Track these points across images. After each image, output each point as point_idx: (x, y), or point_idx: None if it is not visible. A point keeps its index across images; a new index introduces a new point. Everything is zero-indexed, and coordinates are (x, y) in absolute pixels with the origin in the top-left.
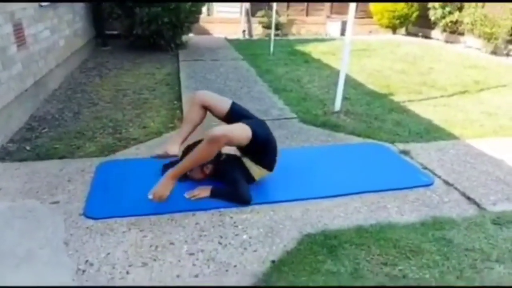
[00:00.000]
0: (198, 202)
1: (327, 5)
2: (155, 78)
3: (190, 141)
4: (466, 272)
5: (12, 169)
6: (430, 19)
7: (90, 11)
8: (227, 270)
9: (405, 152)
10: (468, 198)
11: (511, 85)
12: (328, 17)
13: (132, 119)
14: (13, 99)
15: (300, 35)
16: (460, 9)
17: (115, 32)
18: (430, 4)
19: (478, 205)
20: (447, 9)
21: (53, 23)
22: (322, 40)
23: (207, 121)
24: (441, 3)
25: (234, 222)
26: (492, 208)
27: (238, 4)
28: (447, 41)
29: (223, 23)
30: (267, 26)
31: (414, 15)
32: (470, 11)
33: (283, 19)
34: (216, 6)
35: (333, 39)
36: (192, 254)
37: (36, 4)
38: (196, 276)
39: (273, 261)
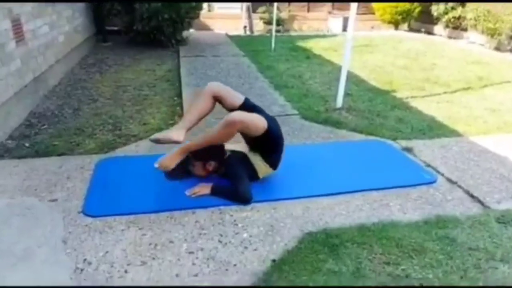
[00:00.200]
0: (198, 200)
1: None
2: (155, 74)
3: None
4: (470, 272)
5: (11, 166)
6: (432, 15)
7: (90, 7)
8: (227, 269)
9: (408, 149)
10: (472, 196)
11: None
12: (329, 13)
13: (132, 116)
14: (12, 96)
15: (301, 31)
16: (463, 4)
17: (115, 28)
18: None
19: (482, 203)
20: (450, 4)
21: (52, 19)
22: (324, 36)
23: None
24: None
25: (235, 220)
26: (497, 207)
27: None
28: (450, 37)
29: (224, 19)
30: (268, 22)
31: (417, 10)
32: (473, 7)
33: (284, 15)
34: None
35: (334, 35)
36: (191, 252)
37: None
38: (196, 275)
39: (273, 260)
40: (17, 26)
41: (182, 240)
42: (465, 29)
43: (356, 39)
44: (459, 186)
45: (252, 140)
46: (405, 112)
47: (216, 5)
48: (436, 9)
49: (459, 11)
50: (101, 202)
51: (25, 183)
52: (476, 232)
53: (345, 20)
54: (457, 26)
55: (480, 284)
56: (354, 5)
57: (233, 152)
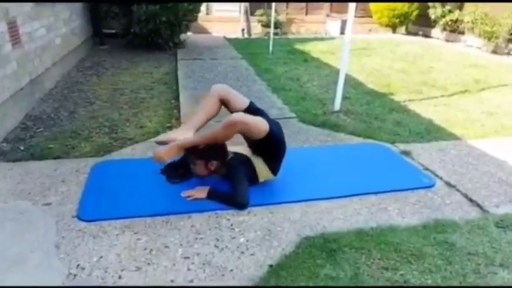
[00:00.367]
0: (194, 204)
1: (327, 4)
2: (152, 77)
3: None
4: (469, 277)
5: (5, 170)
6: (430, 18)
7: (87, 10)
8: (223, 275)
9: (406, 153)
10: (471, 200)
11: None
12: (327, 16)
13: (129, 119)
14: (8, 98)
15: (299, 34)
16: (460, 7)
17: (112, 31)
18: (430, 3)
19: (480, 207)
20: (447, 7)
21: (49, 21)
22: (322, 39)
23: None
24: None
25: (231, 225)
26: (495, 211)
27: (237, 3)
28: (447, 40)
29: (222, 22)
30: (266, 25)
31: (414, 14)
32: (471, 10)
33: (282, 17)
34: (215, 4)
35: (332, 38)
36: (187, 257)
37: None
38: (191, 281)
39: (270, 265)
40: (13, 29)
41: (178, 244)
42: (462, 32)
43: (354, 42)
44: (458, 190)
45: (254, 143)
46: (403, 115)
47: (214, 8)
48: (434, 12)
49: (456, 14)
50: (96, 206)
51: (19, 186)
52: (475, 236)
53: (343, 23)
54: (454, 29)
55: None
56: (352, 8)
57: (236, 154)
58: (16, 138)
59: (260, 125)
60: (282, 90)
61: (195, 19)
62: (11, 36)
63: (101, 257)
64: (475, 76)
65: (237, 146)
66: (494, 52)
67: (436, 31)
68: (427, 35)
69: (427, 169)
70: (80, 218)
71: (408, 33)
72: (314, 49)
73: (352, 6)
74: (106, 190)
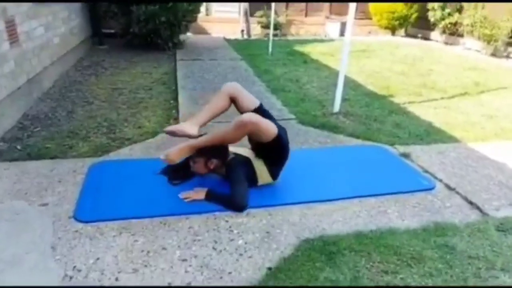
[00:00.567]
0: (192, 205)
1: (326, 5)
2: (151, 77)
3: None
4: (470, 281)
5: (1, 169)
6: (429, 21)
7: (86, 9)
8: (221, 277)
9: (405, 155)
10: (471, 203)
11: (511, 87)
12: (327, 17)
13: (127, 119)
14: (5, 97)
15: (299, 35)
16: (459, 10)
17: (111, 31)
18: (429, 5)
19: (480, 210)
20: (447, 10)
21: (48, 20)
22: (321, 40)
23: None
24: (440, 4)
25: (230, 227)
26: (495, 214)
27: (236, 4)
28: (446, 43)
29: (221, 22)
30: (266, 26)
31: (414, 16)
32: (470, 13)
33: (282, 19)
34: (214, 5)
35: (332, 40)
36: (185, 260)
37: None
38: (189, 283)
39: (269, 268)
40: (11, 27)
41: (175, 246)
42: (462, 35)
43: (353, 44)
44: (458, 193)
45: (260, 145)
46: (402, 117)
47: (213, 8)
48: (433, 15)
49: (455, 17)
50: (93, 207)
51: (16, 186)
52: (475, 240)
53: (343, 25)
54: (453, 32)
55: None
56: (352, 10)
57: (237, 154)
58: (13, 137)
59: (270, 127)
60: (282, 91)
61: (194, 19)
62: (9, 34)
63: (97, 258)
64: (475, 79)
65: (239, 148)
66: (493, 55)
67: (435, 34)
68: (426, 38)
69: (426, 171)
70: (76, 219)
71: (408, 35)
72: (313, 50)
73: (352, 7)
74: (103, 191)
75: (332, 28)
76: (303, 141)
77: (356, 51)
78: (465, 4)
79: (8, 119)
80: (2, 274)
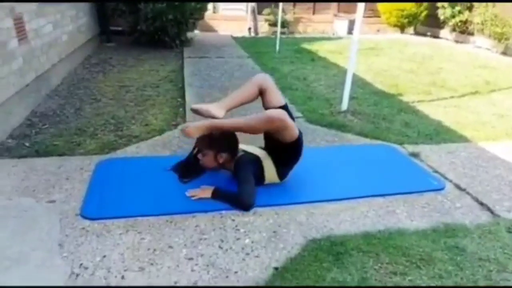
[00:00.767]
0: (198, 204)
1: (334, 3)
2: (159, 74)
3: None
4: (480, 284)
5: (10, 166)
6: (439, 19)
7: (94, 8)
8: (227, 277)
9: (415, 154)
10: (481, 204)
11: None
12: (335, 15)
13: (134, 116)
14: (13, 94)
15: (306, 33)
16: (470, 8)
17: (119, 29)
18: (439, 3)
19: (491, 211)
20: (457, 8)
21: (56, 18)
22: (329, 38)
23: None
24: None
25: (236, 225)
26: (506, 215)
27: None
28: (456, 41)
29: (228, 20)
30: (273, 24)
31: (423, 14)
32: (481, 11)
33: (289, 17)
34: (221, 3)
35: (340, 38)
36: (191, 258)
37: None
38: (195, 282)
39: (276, 268)
40: (19, 24)
41: (182, 245)
42: (472, 33)
43: (362, 42)
44: (468, 193)
45: (276, 145)
46: (411, 116)
47: (221, 6)
48: (443, 13)
49: (466, 15)
50: (100, 204)
51: (23, 183)
52: (486, 241)
53: (351, 22)
54: (463, 30)
55: None
56: (360, 8)
57: (246, 152)
58: (21, 134)
59: (293, 129)
60: (289, 89)
61: (202, 17)
62: (17, 32)
63: (104, 256)
64: (485, 78)
65: (248, 146)
66: (504, 53)
67: (445, 32)
68: (436, 36)
69: (436, 171)
70: (83, 216)
71: (417, 33)
72: (321, 48)
73: (360, 5)
74: (110, 188)
75: (340, 26)
76: (310, 139)
77: (364, 49)
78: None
79: (16, 116)
80: (9, 271)
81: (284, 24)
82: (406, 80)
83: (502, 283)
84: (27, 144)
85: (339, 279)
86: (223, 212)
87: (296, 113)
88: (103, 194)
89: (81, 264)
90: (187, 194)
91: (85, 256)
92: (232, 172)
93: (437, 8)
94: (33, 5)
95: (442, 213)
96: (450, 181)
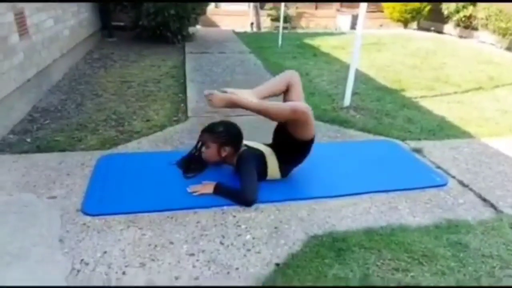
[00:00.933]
0: (200, 200)
1: None
2: (160, 70)
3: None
4: (483, 280)
5: (10, 162)
6: (442, 13)
7: (96, 3)
8: (228, 273)
9: (417, 150)
10: (484, 200)
11: None
12: (338, 10)
13: (135, 112)
14: (14, 90)
15: (309, 28)
16: (474, 3)
17: (121, 24)
18: None
19: (495, 207)
20: (461, 3)
21: (57, 13)
22: (332, 33)
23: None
24: None
25: (237, 221)
26: (510, 211)
27: None
28: (460, 36)
29: (231, 15)
30: (276, 19)
31: (426, 9)
32: (485, 6)
33: (292, 12)
34: None
35: (343, 33)
36: (192, 254)
37: None
38: (196, 278)
39: (277, 264)
40: (20, 19)
41: (183, 241)
42: (476, 28)
43: (365, 37)
44: (471, 189)
45: (287, 140)
46: (414, 111)
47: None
48: (447, 7)
49: (470, 9)
50: (101, 200)
51: (24, 179)
52: (489, 238)
53: (354, 17)
54: (467, 25)
55: None
56: (363, 3)
57: (249, 147)
58: (23, 130)
59: (312, 128)
60: None
61: (203, 12)
62: (18, 26)
63: (105, 252)
64: (489, 73)
65: (252, 142)
66: (509, 48)
67: (448, 27)
68: (439, 31)
69: (439, 167)
70: (84, 212)
71: (420, 28)
72: (323, 43)
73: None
74: (111, 184)
75: (343, 21)
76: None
77: (367, 44)
78: None
79: (17, 111)
80: (9, 267)
81: (287, 19)
82: (409, 75)
83: (505, 280)
84: (28, 139)
85: (340, 275)
86: (225, 208)
87: None
88: (104, 189)
89: (82, 260)
90: (189, 189)
91: (86, 252)
92: (234, 167)
93: (441, 2)
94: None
95: (445, 209)
96: (453, 177)
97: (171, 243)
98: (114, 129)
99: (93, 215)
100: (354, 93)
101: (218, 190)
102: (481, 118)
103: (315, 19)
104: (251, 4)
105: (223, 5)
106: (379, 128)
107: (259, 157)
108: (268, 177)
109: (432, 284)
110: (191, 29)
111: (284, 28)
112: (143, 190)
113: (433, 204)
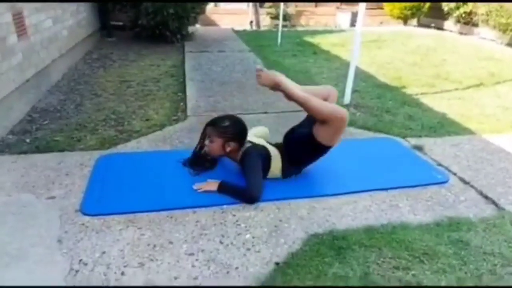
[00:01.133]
0: (199, 199)
1: None
2: (159, 69)
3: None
4: (485, 278)
5: (9, 162)
6: (443, 10)
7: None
8: (228, 272)
9: (418, 148)
10: (486, 197)
11: None
12: (337, 8)
13: (135, 111)
14: (13, 90)
15: (308, 26)
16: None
17: (120, 23)
18: None
19: (496, 204)
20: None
21: (56, 13)
22: (331, 31)
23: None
24: None
25: (237, 220)
26: (511, 209)
27: None
28: (460, 33)
29: (230, 14)
30: (275, 17)
31: (427, 5)
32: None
33: (291, 10)
34: None
35: (342, 31)
36: (191, 254)
37: None
38: (196, 278)
39: (277, 263)
40: (19, 20)
41: (182, 240)
42: (476, 25)
43: (365, 35)
44: (472, 187)
45: (306, 140)
46: (415, 109)
47: None
48: (447, 4)
49: (470, 5)
50: (100, 200)
51: (23, 179)
52: (490, 235)
53: (354, 15)
54: (468, 22)
55: None
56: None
57: (254, 144)
58: (22, 130)
59: (338, 139)
60: None
61: (203, 11)
62: (16, 27)
63: (104, 252)
64: (490, 69)
65: (259, 139)
66: (509, 44)
67: (449, 23)
68: (439, 28)
69: (440, 164)
70: (83, 212)
71: (420, 25)
72: (323, 41)
73: None
74: (110, 184)
75: (342, 18)
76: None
77: (367, 42)
78: None
79: (16, 112)
80: (8, 268)
81: (286, 17)
82: (410, 72)
83: (506, 278)
84: (27, 140)
85: (341, 274)
86: (224, 207)
87: (297, 107)
88: (103, 189)
89: (80, 260)
90: (194, 187)
91: (85, 252)
92: (237, 163)
93: None
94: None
95: (446, 207)
96: (454, 174)
97: (170, 242)
98: (113, 128)
99: (92, 215)
100: (354, 91)
101: (222, 188)
102: (482, 114)
103: (314, 17)
104: (250, 2)
105: (222, 4)
106: (379, 125)
107: (264, 154)
108: (269, 176)
109: (433, 283)
110: (190, 28)
111: (283, 26)
112: (142, 190)
113: (434, 201)
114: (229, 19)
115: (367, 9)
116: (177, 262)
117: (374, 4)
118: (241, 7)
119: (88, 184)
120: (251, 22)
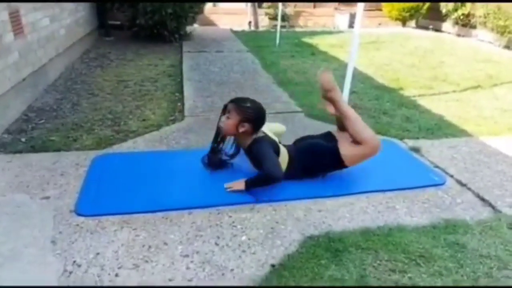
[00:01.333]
0: (195, 200)
1: None
2: (157, 69)
3: None
4: (481, 281)
5: (4, 162)
6: (441, 12)
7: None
8: (223, 274)
9: (415, 149)
10: (483, 200)
11: None
12: (336, 9)
13: (132, 111)
14: (9, 89)
15: (307, 27)
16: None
17: (118, 23)
18: None
19: (493, 207)
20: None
21: (54, 11)
22: (330, 32)
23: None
24: None
25: (233, 222)
26: (508, 211)
27: None
28: (458, 35)
29: (228, 14)
30: (274, 18)
31: (425, 7)
32: (483, 3)
33: (290, 10)
34: None
35: (341, 32)
36: (186, 256)
37: None
38: (190, 280)
39: (273, 265)
40: (15, 18)
41: (177, 242)
42: (474, 27)
43: (363, 36)
44: (469, 189)
45: (324, 151)
46: (412, 110)
47: None
48: (445, 6)
49: (468, 8)
50: (94, 200)
51: (17, 179)
52: (487, 238)
53: (352, 16)
54: (466, 24)
55: None
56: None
57: (267, 135)
58: (17, 129)
59: (360, 162)
60: (289, 83)
61: (201, 11)
62: (13, 25)
63: (98, 253)
64: (488, 72)
65: (273, 135)
66: (507, 47)
67: (447, 25)
68: (437, 29)
69: (437, 166)
70: (78, 213)
71: (418, 27)
72: (321, 42)
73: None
74: (105, 184)
75: (341, 19)
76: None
77: (365, 43)
78: None
79: (12, 111)
80: (1, 269)
81: (285, 18)
82: (408, 74)
83: (503, 280)
84: (23, 139)
85: (337, 276)
86: (220, 208)
87: (295, 108)
88: (98, 190)
89: (74, 262)
90: (225, 185)
91: (78, 253)
92: (246, 149)
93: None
94: None
95: (443, 209)
96: (451, 176)
97: (165, 244)
98: (110, 128)
99: (87, 216)
100: (352, 92)
101: (249, 184)
102: (480, 116)
103: (313, 18)
104: (249, 3)
105: (220, 3)
106: (377, 127)
107: (275, 146)
108: None
109: (429, 285)
110: (188, 28)
111: (282, 27)
112: (138, 190)
113: (431, 203)
114: (228, 19)
115: (365, 10)
116: (172, 263)
117: (372, 6)
118: (240, 6)
119: (83, 185)
120: (250, 22)
